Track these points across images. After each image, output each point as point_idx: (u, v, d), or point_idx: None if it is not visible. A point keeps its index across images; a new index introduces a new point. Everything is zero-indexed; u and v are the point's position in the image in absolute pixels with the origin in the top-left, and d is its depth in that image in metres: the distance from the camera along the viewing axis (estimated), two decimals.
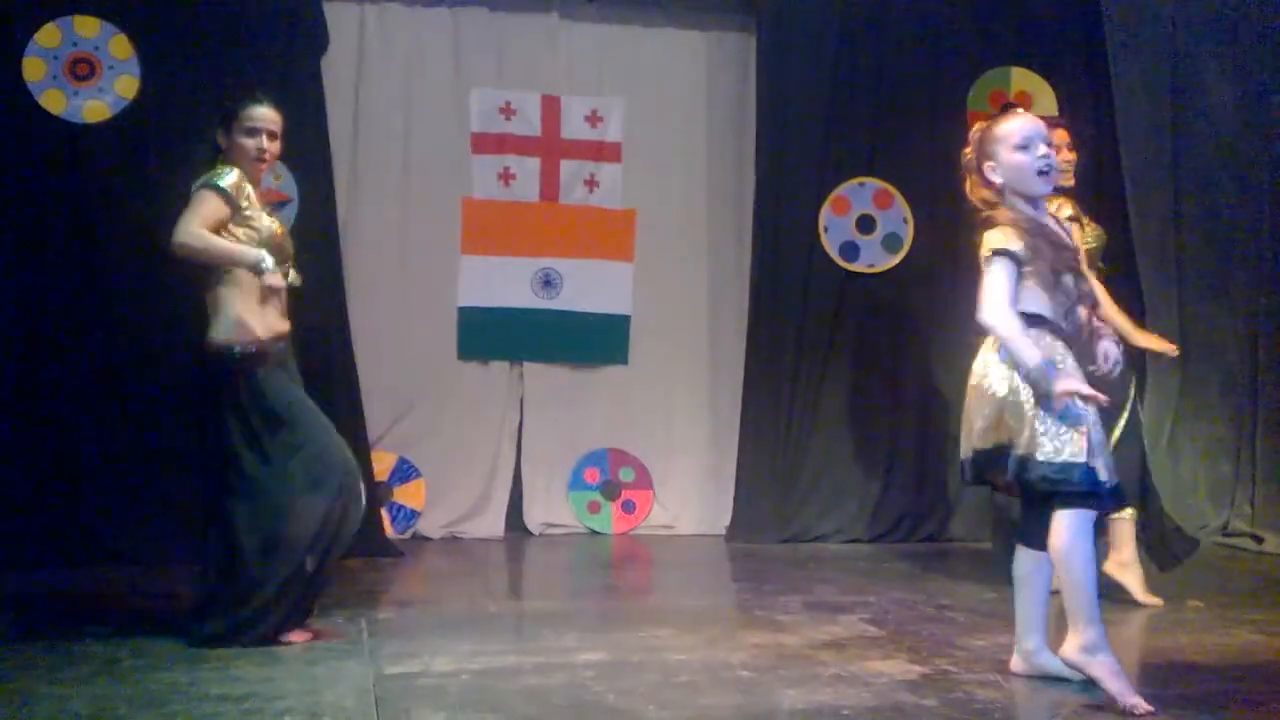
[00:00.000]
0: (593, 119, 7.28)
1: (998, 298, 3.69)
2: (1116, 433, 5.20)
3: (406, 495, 6.96)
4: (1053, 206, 4.67)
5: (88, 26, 6.27)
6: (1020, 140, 3.80)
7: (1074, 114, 7.35)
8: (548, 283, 7.23)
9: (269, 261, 4.24)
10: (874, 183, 7.18)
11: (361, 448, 6.58)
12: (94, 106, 6.26)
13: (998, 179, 3.82)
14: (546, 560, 6.81)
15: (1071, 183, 5.28)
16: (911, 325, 7.14)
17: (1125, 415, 5.31)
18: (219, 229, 4.30)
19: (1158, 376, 7.27)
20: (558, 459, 7.28)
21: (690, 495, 7.40)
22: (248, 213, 4.36)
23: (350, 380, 6.57)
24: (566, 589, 6.22)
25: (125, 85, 6.29)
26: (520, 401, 7.27)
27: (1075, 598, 3.66)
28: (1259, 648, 4.44)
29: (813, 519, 7.05)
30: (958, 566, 6.10)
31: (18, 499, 5.98)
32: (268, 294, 4.32)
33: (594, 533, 7.24)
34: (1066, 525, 3.63)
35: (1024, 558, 3.89)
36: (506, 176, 7.17)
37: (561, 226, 7.24)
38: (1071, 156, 5.30)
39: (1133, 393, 5.38)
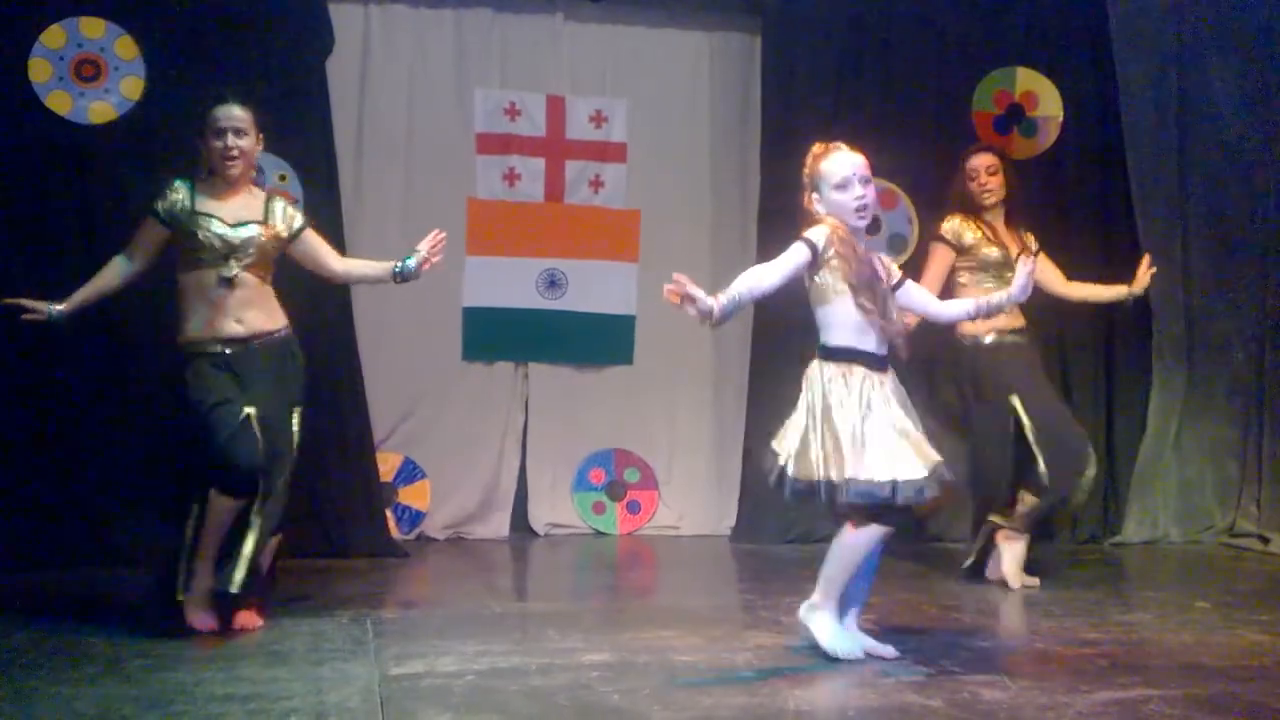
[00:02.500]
0: (597, 119, 7.28)
1: (769, 263, 4.11)
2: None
3: (411, 496, 6.96)
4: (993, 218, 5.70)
5: (93, 27, 6.27)
6: (839, 181, 4.14)
7: (1079, 113, 7.36)
8: (552, 283, 7.23)
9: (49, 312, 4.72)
10: (879, 183, 7.14)
11: (366, 448, 6.62)
12: (100, 108, 6.26)
13: (821, 210, 4.17)
14: (551, 561, 6.81)
15: (992, 204, 5.81)
16: (918, 326, 7.11)
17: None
18: (162, 248, 4.71)
19: (1164, 377, 7.27)
20: (562, 459, 7.28)
21: (695, 496, 7.39)
22: (181, 221, 4.62)
23: (355, 381, 6.57)
24: (571, 589, 6.22)
25: (131, 86, 6.29)
26: (525, 402, 7.27)
27: (833, 580, 4.11)
28: (1265, 648, 4.42)
29: (818, 520, 7.03)
30: (960, 568, 6.08)
31: (22, 499, 5.98)
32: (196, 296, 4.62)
33: (599, 533, 7.24)
34: (864, 533, 4.07)
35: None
36: (511, 177, 7.17)
37: (566, 227, 7.24)
38: (993, 180, 5.80)
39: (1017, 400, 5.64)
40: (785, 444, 4.12)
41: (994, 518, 5.65)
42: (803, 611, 4.15)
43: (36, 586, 5.54)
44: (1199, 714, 3.53)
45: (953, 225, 5.76)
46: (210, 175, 4.66)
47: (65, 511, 6.03)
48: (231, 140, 4.58)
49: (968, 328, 5.53)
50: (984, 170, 5.78)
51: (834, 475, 3.97)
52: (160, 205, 4.60)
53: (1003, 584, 5.56)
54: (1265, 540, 6.94)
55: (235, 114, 4.62)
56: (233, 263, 4.59)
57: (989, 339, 5.69)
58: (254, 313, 4.65)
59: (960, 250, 5.75)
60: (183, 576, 4.57)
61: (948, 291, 5.65)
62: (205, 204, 4.63)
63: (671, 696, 3.69)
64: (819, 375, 4.11)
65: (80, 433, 6.15)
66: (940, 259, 5.75)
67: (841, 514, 4.11)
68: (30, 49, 6.17)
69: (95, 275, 4.71)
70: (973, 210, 5.79)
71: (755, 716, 3.53)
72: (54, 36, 6.21)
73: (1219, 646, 4.43)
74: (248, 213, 4.68)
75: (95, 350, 6.18)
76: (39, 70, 6.18)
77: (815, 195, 4.18)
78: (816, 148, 4.26)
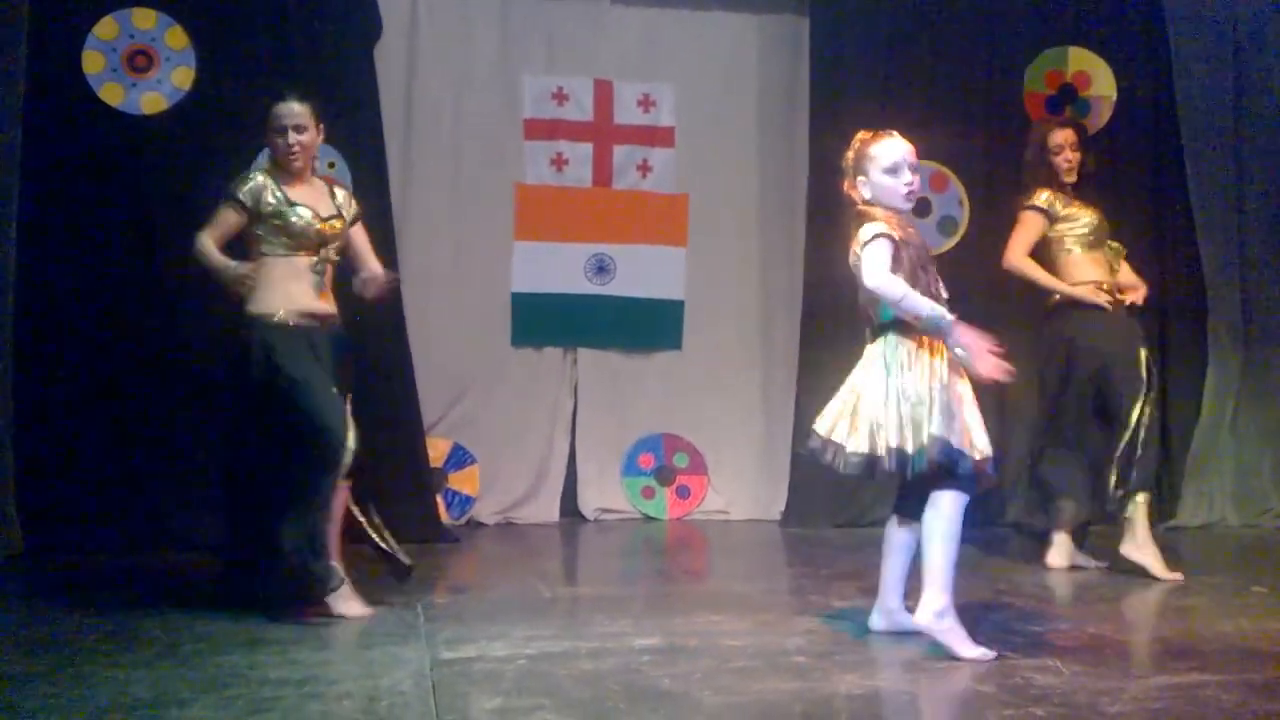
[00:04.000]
0: (645, 103, 7.27)
1: (881, 266, 3.98)
2: (1132, 418, 5.47)
3: (461, 481, 6.99)
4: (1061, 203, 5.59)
5: (145, 19, 6.34)
6: (889, 165, 4.13)
7: (1132, 93, 7.27)
8: (601, 268, 7.24)
9: (229, 274, 4.58)
10: (929, 165, 7.10)
11: (416, 434, 6.65)
12: (151, 98, 6.33)
13: (866, 193, 4.15)
14: (601, 545, 6.82)
15: (1074, 179, 5.70)
16: (967, 308, 7.05)
17: (1139, 407, 5.50)
18: (237, 232, 4.68)
19: (1220, 360, 7.19)
20: (612, 444, 7.29)
21: (745, 480, 7.39)
22: (272, 210, 4.65)
23: (405, 367, 6.60)
24: (621, 574, 6.22)
25: (181, 76, 6.35)
26: (574, 387, 7.28)
27: (941, 569, 3.96)
28: None
29: (868, 504, 6.99)
30: (1015, 551, 6.05)
31: (82, 484, 6.08)
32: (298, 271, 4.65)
33: (648, 518, 7.25)
34: (948, 503, 3.97)
35: (897, 528, 4.25)
36: (559, 162, 7.18)
37: (614, 212, 7.25)
38: (1075, 156, 5.70)
39: (1143, 386, 5.52)
40: (836, 421, 4.08)
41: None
42: (927, 620, 3.96)
43: (93, 570, 5.61)
44: (1255, 699, 3.49)
45: (1046, 196, 5.70)
46: (277, 167, 4.73)
47: (122, 496, 6.12)
48: (293, 137, 4.70)
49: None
50: (1068, 145, 5.73)
51: (911, 442, 3.94)
52: (242, 192, 4.65)
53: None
54: None
55: (295, 110, 4.72)
56: (326, 252, 4.71)
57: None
58: (328, 298, 4.75)
59: (1054, 220, 5.69)
60: (320, 572, 4.47)
61: (1049, 261, 5.65)
62: (293, 194, 4.71)
63: (722, 681, 3.68)
64: (885, 347, 4.07)
65: (138, 419, 6.23)
66: (1034, 226, 5.68)
67: (914, 485, 4.08)
68: (84, 41, 6.24)
69: (208, 253, 4.61)
70: (1056, 184, 5.72)
71: (806, 701, 3.51)
72: (107, 28, 6.29)
73: (1276, 631, 4.36)
74: (326, 204, 4.79)
75: (154, 336, 6.26)
76: (92, 62, 6.26)
77: (861, 179, 4.15)
78: (863, 134, 4.25)
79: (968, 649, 3.91)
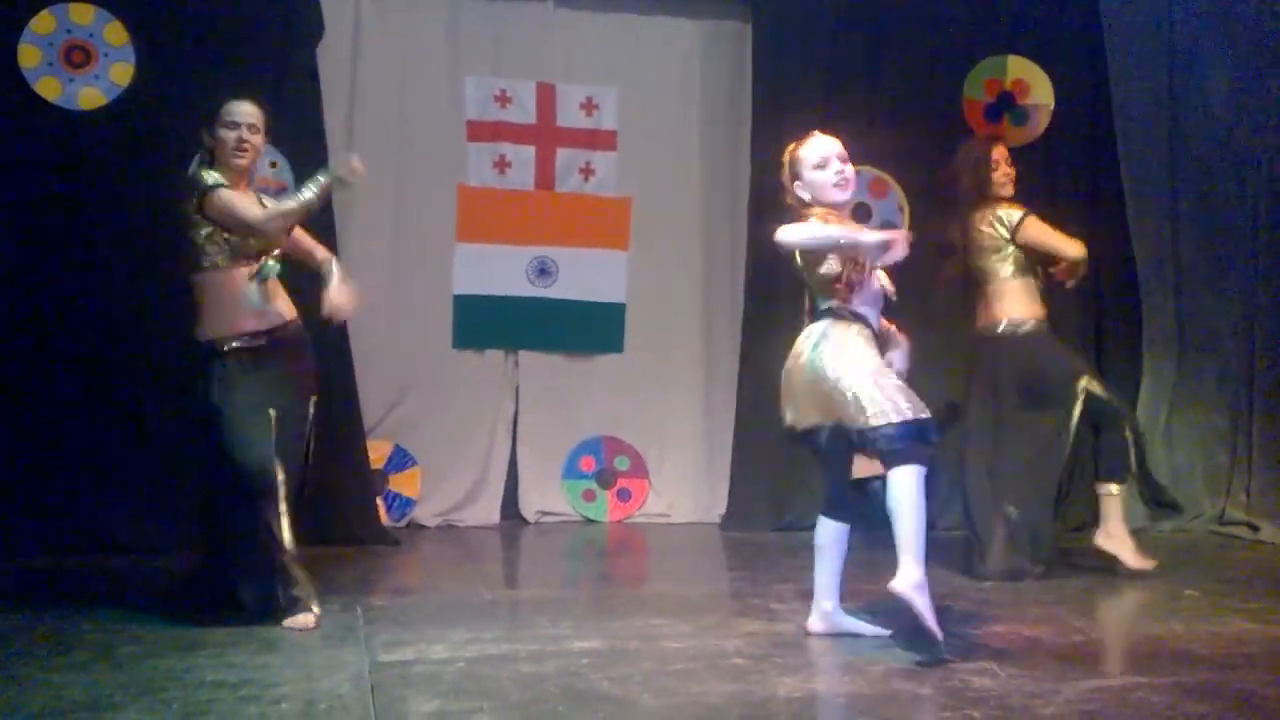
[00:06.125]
0: (588, 107, 7.27)
1: (788, 228, 4.16)
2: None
3: (402, 483, 6.96)
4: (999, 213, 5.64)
5: (82, 13, 6.25)
6: (817, 161, 4.27)
7: (1070, 102, 7.36)
8: (543, 271, 7.23)
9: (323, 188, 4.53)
10: (869, 171, 7.16)
11: (357, 436, 6.61)
12: (89, 94, 6.25)
13: (805, 195, 4.28)
14: (542, 548, 6.81)
15: (1011, 192, 5.74)
16: (906, 314, 7.11)
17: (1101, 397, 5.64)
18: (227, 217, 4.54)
19: (1154, 366, 7.28)
20: (553, 447, 7.28)
21: (685, 483, 7.40)
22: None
23: (345, 368, 6.55)
24: (561, 577, 6.22)
25: (120, 72, 6.28)
26: (516, 390, 7.27)
27: (914, 541, 4.00)
28: (1254, 636, 4.43)
29: (808, 507, 6.96)
30: (954, 556, 6.09)
31: (13, 488, 5.99)
32: (236, 288, 4.56)
33: (589, 521, 7.25)
34: (908, 477, 4.02)
35: (826, 528, 4.36)
36: (502, 164, 7.16)
37: (557, 215, 7.24)
38: (1011, 170, 5.75)
39: (1082, 383, 5.62)
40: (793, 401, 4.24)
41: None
42: (906, 590, 3.96)
43: (26, 574, 5.54)
44: (1187, 702, 3.54)
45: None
46: (213, 168, 4.64)
47: (54, 499, 6.03)
48: (246, 134, 4.64)
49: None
50: (1004, 161, 5.80)
51: (866, 418, 4.03)
52: (215, 181, 4.55)
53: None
54: (1255, 528, 6.96)
55: (250, 110, 4.67)
56: (266, 259, 4.62)
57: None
58: (280, 303, 4.68)
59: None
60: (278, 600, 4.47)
61: (992, 279, 5.70)
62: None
63: (662, 683, 3.69)
64: (826, 330, 4.20)
65: (69, 418, 6.14)
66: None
67: (843, 484, 4.23)
68: (19, 35, 6.15)
69: (280, 208, 4.56)
70: (994, 199, 5.76)
71: (745, 703, 3.53)
72: (44, 22, 6.20)
73: (1208, 634, 4.43)
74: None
75: (84, 339, 6.19)
76: (28, 56, 6.17)
77: (797, 183, 4.28)
78: (790, 145, 4.37)
79: (933, 624, 3.95)
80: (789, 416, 4.26)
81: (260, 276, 4.57)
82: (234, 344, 4.55)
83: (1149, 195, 7.30)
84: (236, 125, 4.62)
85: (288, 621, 4.41)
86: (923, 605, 3.95)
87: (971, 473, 5.73)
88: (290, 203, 4.56)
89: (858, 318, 4.20)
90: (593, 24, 7.33)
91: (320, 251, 4.86)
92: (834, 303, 4.21)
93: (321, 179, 4.52)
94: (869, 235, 4.15)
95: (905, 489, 4.01)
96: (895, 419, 4.00)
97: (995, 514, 5.59)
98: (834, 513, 4.35)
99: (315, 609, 4.49)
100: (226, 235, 4.54)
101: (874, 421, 4.01)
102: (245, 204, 4.56)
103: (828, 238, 4.13)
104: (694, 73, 7.46)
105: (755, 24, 7.27)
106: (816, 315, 4.25)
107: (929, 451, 4.08)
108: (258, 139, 4.69)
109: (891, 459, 4.03)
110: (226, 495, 4.49)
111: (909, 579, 3.95)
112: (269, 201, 4.75)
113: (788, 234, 4.15)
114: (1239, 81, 7.28)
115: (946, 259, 5.89)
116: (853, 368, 4.09)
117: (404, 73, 7.05)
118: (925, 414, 4.06)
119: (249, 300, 4.57)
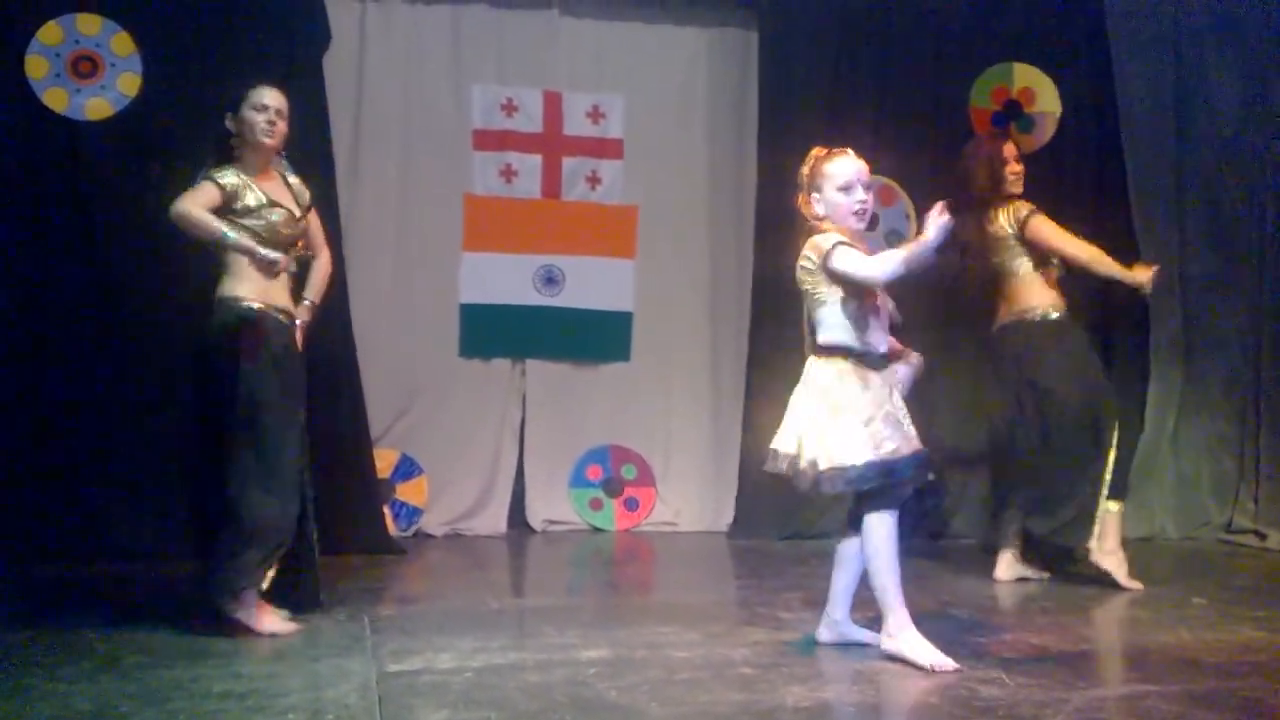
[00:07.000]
0: (594, 115, 7.28)
1: (860, 259, 4.05)
2: (1116, 433, 5.64)
3: (409, 492, 6.96)
4: (1009, 210, 5.65)
5: (90, 24, 6.27)
6: (843, 183, 4.18)
7: (1077, 109, 7.36)
8: (550, 280, 7.23)
9: (258, 255, 4.51)
10: (876, 179, 7.14)
11: (364, 445, 6.61)
12: (96, 104, 6.26)
13: (820, 210, 4.20)
14: (548, 557, 6.81)
15: (1020, 190, 5.77)
16: (914, 322, 7.11)
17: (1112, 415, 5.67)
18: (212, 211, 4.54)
19: (1161, 373, 7.26)
20: (560, 456, 7.28)
21: (692, 492, 7.39)
22: (251, 209, 4.60)
23: (352, 377, 6.56)
24: (568, 586, 6.22)
25: (127, 83, 6.29)
26: (522, 398, 7.27)
27: (889, 591, 4.06)
28: (1261, 644, 4.43)
29: (815, 516, 7.01)
30: (960, 564, 6.10)
31: (20, 494, 5.99)
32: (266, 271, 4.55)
33: (596, 529, 7.24)
34: (877, 524, 4.07)
35: (851, 541, 4.28)
36: (508, 173, 7.17)
37: (563, 223, 7.24)
38: (1019, 168, 5.79)
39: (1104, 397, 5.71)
40: (793, 440, 4.18)
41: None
42: (891, 644, 4.08)
43: (34, 582, 5.54)
44: (1196, 710, 3.53)
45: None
46: (232, 163, 4.64)
47: (59, 506, 6.03)
48: (274, 117, 4.69)
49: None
50: (1014, 158, 5.82)
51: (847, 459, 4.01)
52: (221, 178, 4.57)
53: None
54: (1262, 536, 6.95)
55: (279, 97, 4.74)
56: (295, 252, 4.70)
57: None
58: (291, 297, 4.72)
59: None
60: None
61: (1010, 275, 5.74)
62: (266, 190, 4.68)
63: (669, 692, 3.69)
64: (820, 368, 4.18)
65: (76, 426, 6.15)
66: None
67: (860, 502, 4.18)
68: (27, 46, 6.17)
69: (205, 220, 4.47)
70: (1004, 196, 5.78)
71: (752, 713, 3.53)
72: (51, 33, 6.21)
73: (1215, 643, 4.43)
74: (289, 196, 4.77)
75: (97, 345, 6.20)
76: (36, 67, 6.18)
77: (815, 195, 4.21)
78: (818, 150, 4.29)
79: (933, 657, 3.97)
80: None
81: (289, 269, 4.63)
82: (267, 310, 4.53)
83: (1156, 202, 7.28)
84: (265, 108, 4.67)
85: (245, 617, 4.42)
86: (915, 651, 4.00)
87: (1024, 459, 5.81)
88: (217, 225, 4.47)
89: (866, 354, 4.13)
90: (598, 32, 7.34)
91: (317, 281, 4.89)
92: (847, 340, 4.14)
93: (247, 243, 4.50)
94: (928, 233, 3.95)
95: (877, 536, 4.07)
96: (858, 462, 3.98)
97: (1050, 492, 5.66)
98: (856, 527, 4.27)
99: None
100: (247, 225, 4.56)
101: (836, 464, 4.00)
102: (196, 194, 4.50)
103: (916, 260, 3.97)
104: (700, 81, 7.46)
105: (761, 32, 7.27)
106: (827, 350, 4.18)
107: (902, 493, 4.11)
108: (283, 127, 4.73)
109: (864, 504, 4.09)
110: (243, 485, 4.42)
111: (888, 631, 4.07)
112: (293, 180, 4.83)
113: (867, 270, 4.03)
114: (1245, 88, 7.29)
115: (966, 257, 5.87)
116: (846, 408, 4.06)
117: (410, 81, 7.06)
118: (900, 454, 4.02)
119: (282, 283, 4.61)
